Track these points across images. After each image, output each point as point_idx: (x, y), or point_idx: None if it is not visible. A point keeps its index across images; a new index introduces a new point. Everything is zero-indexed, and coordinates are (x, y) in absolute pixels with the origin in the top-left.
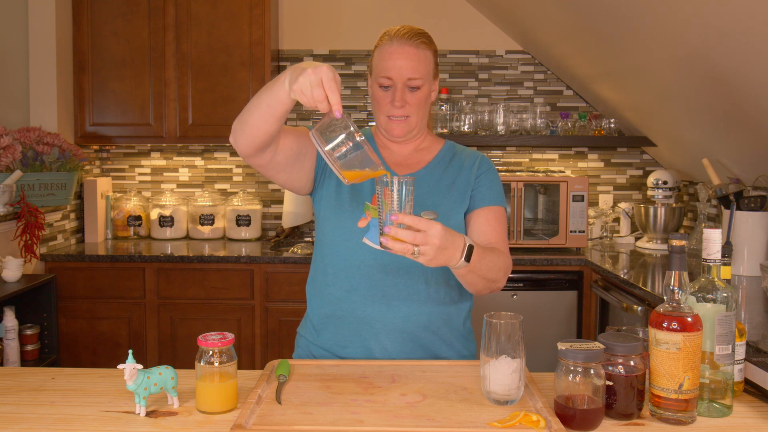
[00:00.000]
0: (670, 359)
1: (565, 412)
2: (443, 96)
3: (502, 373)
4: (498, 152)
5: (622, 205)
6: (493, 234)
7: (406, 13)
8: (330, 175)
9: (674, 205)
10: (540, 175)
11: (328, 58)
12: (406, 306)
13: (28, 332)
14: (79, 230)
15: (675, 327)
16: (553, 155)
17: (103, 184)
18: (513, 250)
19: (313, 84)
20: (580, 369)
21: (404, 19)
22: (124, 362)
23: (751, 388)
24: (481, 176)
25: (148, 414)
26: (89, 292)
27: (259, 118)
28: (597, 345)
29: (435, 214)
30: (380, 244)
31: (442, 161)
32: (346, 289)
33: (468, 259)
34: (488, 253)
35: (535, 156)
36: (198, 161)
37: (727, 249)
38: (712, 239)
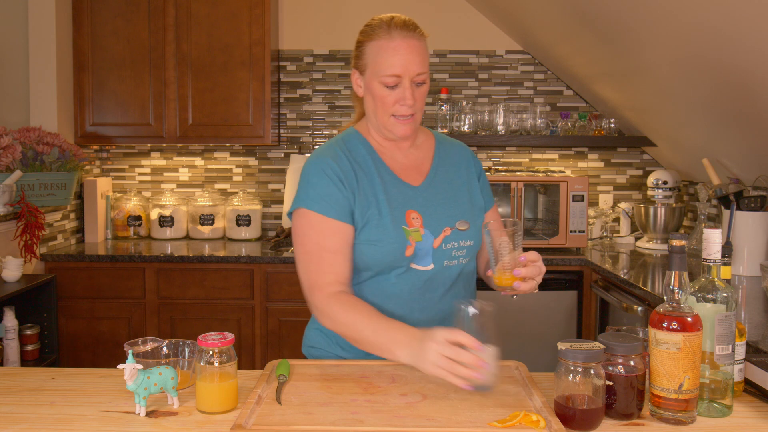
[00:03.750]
0: (670, 359)
1: (565, 412)
2: (443, 96)
3: None
4: (498, 152)
5: (622, 205)
6: None
7: (406, 13)
8: (372, 214)
9: (674, 205)
10: (540, 175)
11: (328, 57)
12: (430, 312)
13: (28, 332)
14: (79, 230)
15: (675, 327)
16: (553, 155)
17: (103, 184)
18: None
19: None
20: (580, 369)
21: None
22: (124, 362)
23: (751, 388)
24: (480, 174)
25: (148, 414)
26: (89, 292)
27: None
28: (597, 345)
29: (467, 224)
30: (497, 285)
31: (443, 161)
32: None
33: None
34: None
35: (535, 156)
36: (198, 161)
37: (727, 249)
38: (712, 239)
